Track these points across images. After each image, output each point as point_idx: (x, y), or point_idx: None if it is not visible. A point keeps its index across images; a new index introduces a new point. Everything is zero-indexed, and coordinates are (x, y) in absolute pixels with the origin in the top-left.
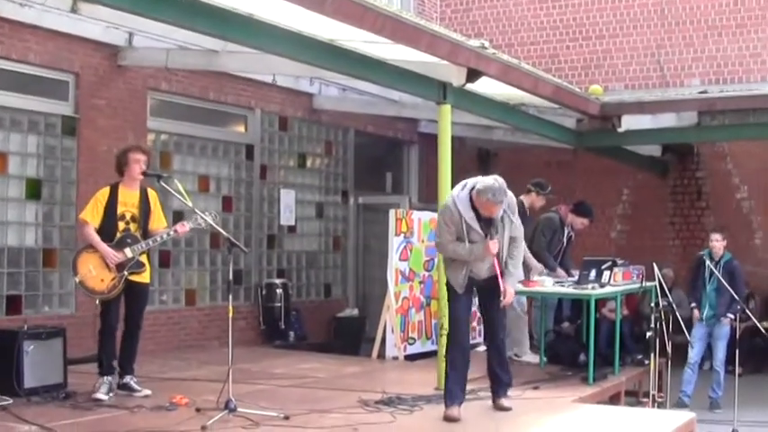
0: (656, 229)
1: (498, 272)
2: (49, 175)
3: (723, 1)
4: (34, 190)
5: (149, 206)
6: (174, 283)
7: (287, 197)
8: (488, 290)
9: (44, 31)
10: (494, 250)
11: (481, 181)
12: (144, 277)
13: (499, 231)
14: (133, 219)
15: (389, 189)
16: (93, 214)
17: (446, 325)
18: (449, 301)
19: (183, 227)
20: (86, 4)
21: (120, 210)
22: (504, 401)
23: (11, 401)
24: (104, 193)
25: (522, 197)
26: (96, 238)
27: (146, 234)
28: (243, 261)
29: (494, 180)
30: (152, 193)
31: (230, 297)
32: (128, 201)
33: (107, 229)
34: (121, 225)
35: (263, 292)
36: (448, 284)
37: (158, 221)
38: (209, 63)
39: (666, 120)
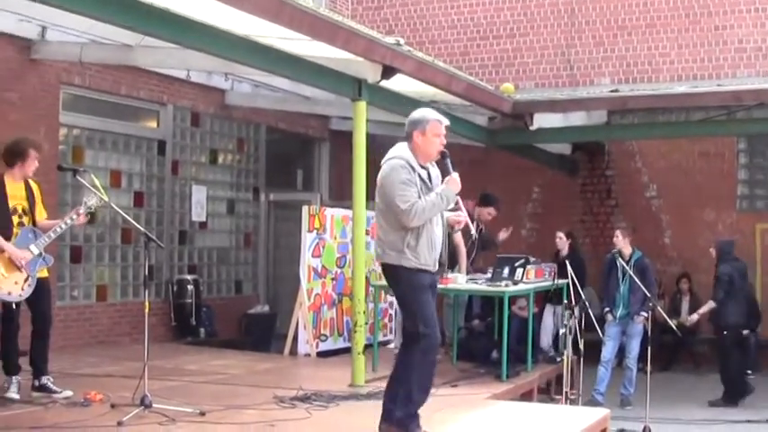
0: (566, 227)
1: (462, 204)
2: None
3: (633, 1)
4: None
5: (34, 197)
6: (86, 279)
7: (198, 193)
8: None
9: None
10: (459, 184)
11: (416, 118)
12: (44, 272)
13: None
14: (24, 212)
15: (300, 186)
16: None
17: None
18: (412, 300)
19: (80, 214)
20: None
21: (11, 203)
22: None
23: None
24: None
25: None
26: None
27: (35, 226)
28: (154, 257)
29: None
30: (34, 184)
31: (146, 292)
32: (16, 193)
33: (1, 225)
34: (15, 219)
35: (175, 289)
36: (407, 276)
37: (41, 213)
38: (123, 58)
39: (577, 118)
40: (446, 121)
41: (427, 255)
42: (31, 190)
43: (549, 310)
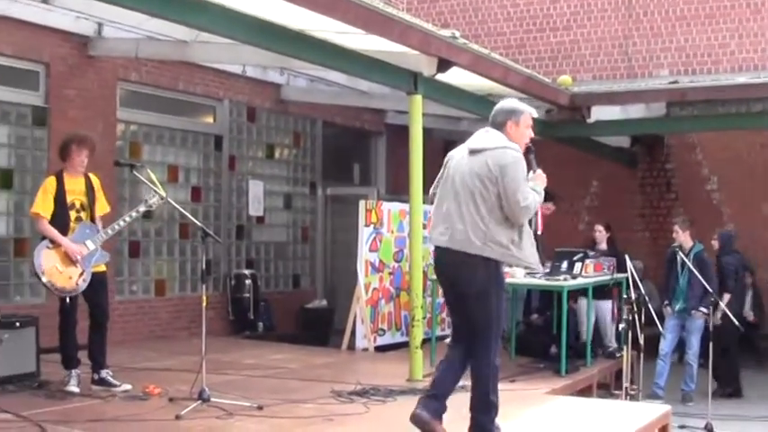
0: (625, 221)
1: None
2: (20, 165)
3: None
4: (6, 180)
5: (94, 192)
6: (144, 273)
7: (255, 188)
8: None
9: (14, 21)
10: (545, 180)
11: (509, 108)
12: (101, 266)
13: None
14: (83, 207)
15: (357, 180)
16: (44, 206)
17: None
18: (495, 297)
19: (140, 211)
20: None
21: (69, 198)
22: None
23: None
24: (51, 182)
25: None
26: (55, 233)
27: (93, 221)
28: (212, 251)
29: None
30: (95, 179)
31: (203, 287)
32: (75, 188)
33: (59, 219)
34: (73, 214)
35: (232, 283)
36: (501, 273)
37: (103, 207)
38: (179, 53)
39: (636, 110)
40: (536, 113)
41: (532, 250)
42: (92, 185)
43: (584, 303)
